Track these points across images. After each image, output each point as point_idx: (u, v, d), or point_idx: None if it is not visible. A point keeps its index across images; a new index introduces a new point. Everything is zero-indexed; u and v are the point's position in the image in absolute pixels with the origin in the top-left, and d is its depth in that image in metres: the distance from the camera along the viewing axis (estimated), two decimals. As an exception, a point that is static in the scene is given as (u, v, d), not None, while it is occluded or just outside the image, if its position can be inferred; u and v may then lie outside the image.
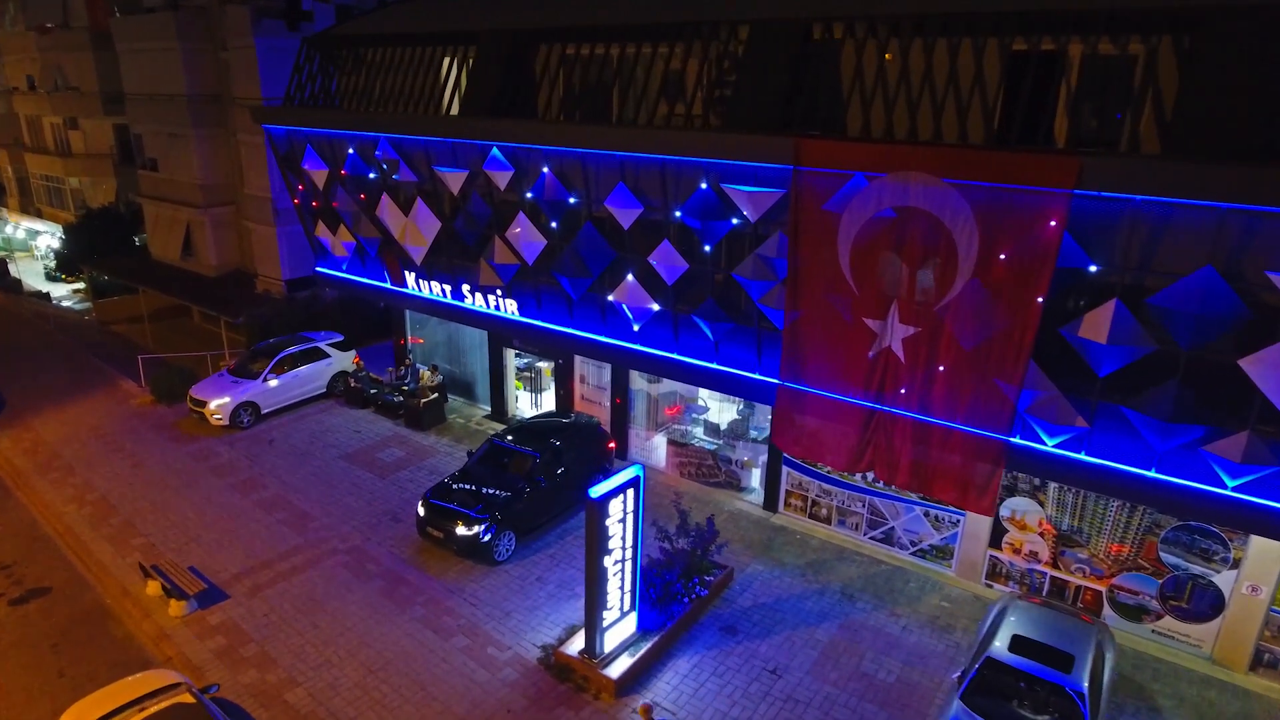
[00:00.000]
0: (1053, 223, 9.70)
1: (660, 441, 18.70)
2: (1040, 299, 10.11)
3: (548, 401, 20.82)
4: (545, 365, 20.81)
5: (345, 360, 22.32)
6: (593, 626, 11.69)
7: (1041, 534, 13.57)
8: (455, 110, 17.03)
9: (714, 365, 14.22)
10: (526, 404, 21.09)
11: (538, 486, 15.19)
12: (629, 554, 11.79)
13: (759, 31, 12.61)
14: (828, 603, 13.79)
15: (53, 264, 37.98)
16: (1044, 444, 11.25)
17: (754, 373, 13.78)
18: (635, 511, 11.67)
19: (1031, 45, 11.06)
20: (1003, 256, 10.20)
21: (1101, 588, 13.18)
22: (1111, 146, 10.94)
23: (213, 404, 19.75)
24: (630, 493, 11.46)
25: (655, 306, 14.39)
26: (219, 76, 27.33)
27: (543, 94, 15.31)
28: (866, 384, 11.69)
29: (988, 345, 10.74)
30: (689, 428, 18.37)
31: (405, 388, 21.30)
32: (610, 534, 11.30)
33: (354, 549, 15.11)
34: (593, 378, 19.34)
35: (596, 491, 10.96)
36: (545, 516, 15.60)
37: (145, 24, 27.63)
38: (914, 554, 15.01)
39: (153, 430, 20.19)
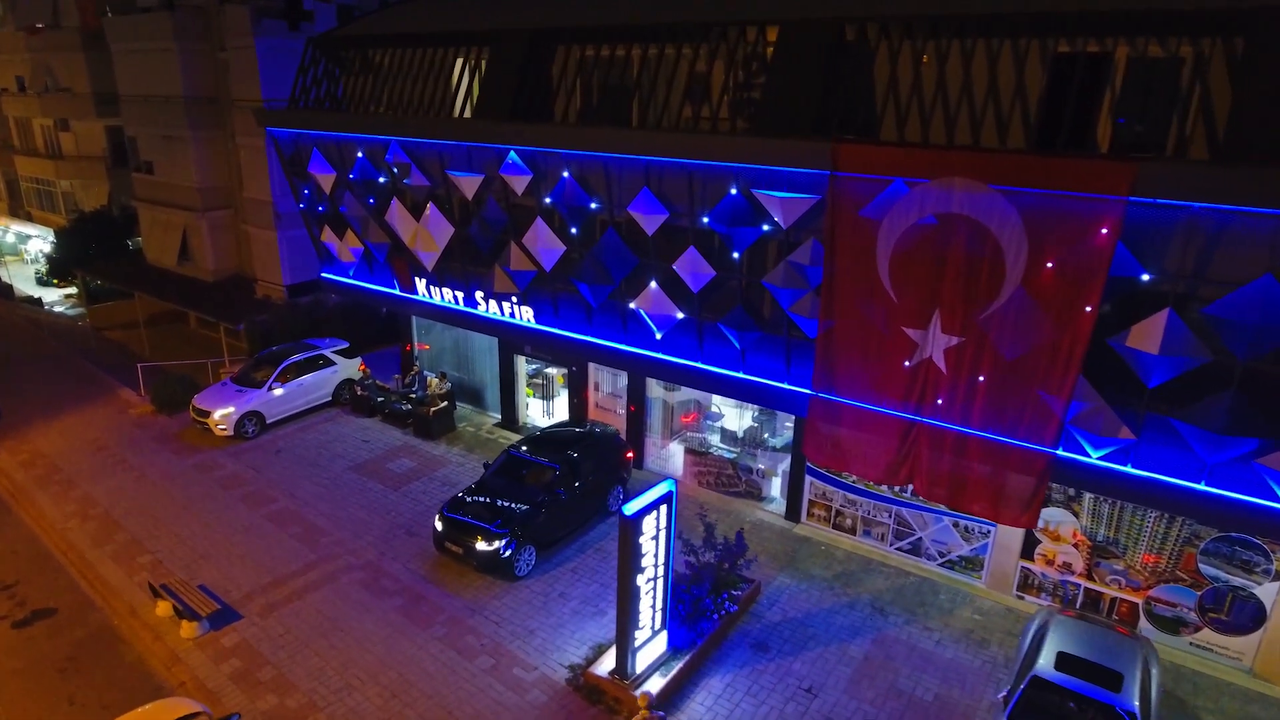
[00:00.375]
0: (1105, 230, 9.42)
1: (676, 450, 18.37)
2: (1091, 309, 9.82)
3: (559, 409, 20.44)
4: (555, 372, 20.43)
5: (351, 368, 21.86)
6: (624, 646, 11.33)
7: (1075, 545, 13.31)
8: (466, 113, 16.64)
9: (740, 374, 13.88)
10: (537, 411, 20.70)
11: (557, 499, 14.81)
12: (661, 571, 11.44)
13: (790, 32, 12.28)
14: (858, 617, 13.48)
15: (44, 269, 37.25)
16: (1088, 456, 10.98)
17: (783, 382, 13.45)
18: (668, 528, 11.32)
19: (1075, 47, 10.79)
20: (1050, 265, 9.91)
21: (1138, 600, 12.93)
22: (1157, 152, 10.66)
23: (217, 414, 19.26)
24: (663, 509, 11.10)
25: (680, 314, 14.04)
26: (217, 78, 26.79)
27: (560, 96, 14.93)
28: (905, 395, 11.39)
29: (1033, 355, 10.46)
30: (707, 436, 18.04)
31: (413, 396, 20.87)
32: (643, 551, 10.95)
33: (369, 565, 14.68)
34: (607, 385, 18.98)
35: (630, 508, 10.60)
36: (565, 530, 15.23)
37: (140, 24, 27.05)
38: (942, 565, 14.73)
39: (154, 441, 19.67)
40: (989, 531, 14.06)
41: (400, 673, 12.03)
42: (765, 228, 12.33)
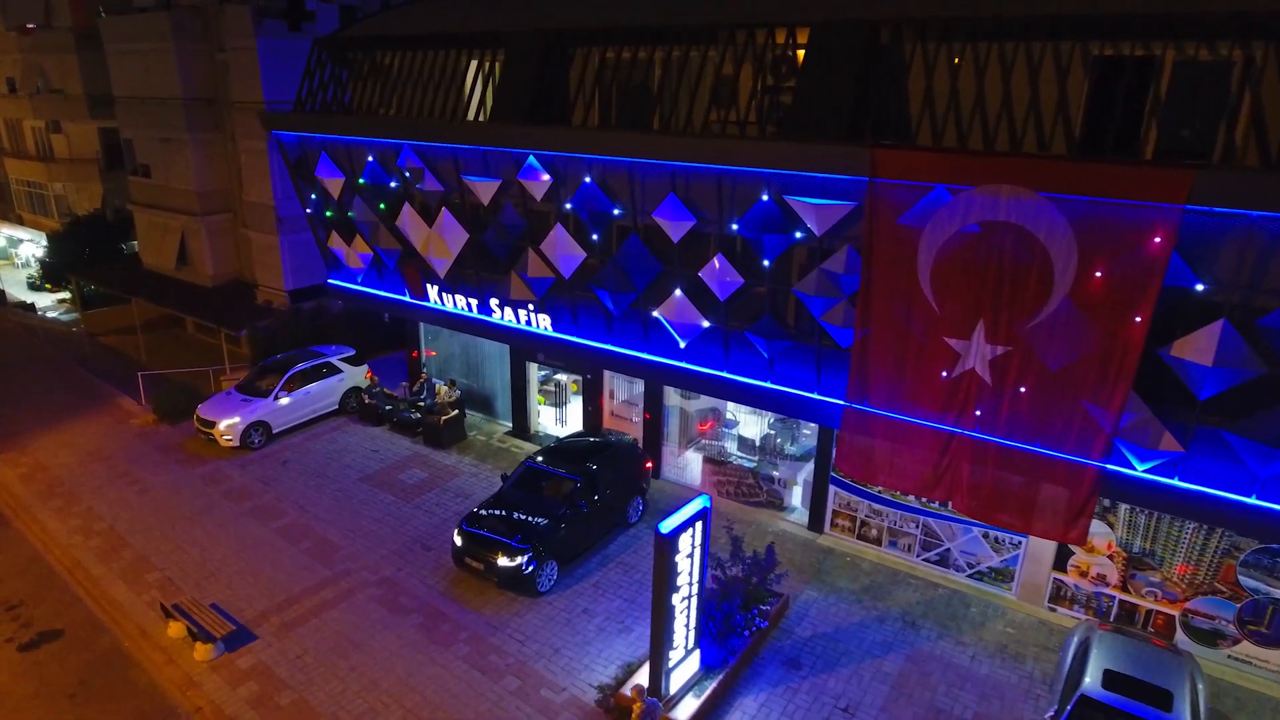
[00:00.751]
0: (1159, 239, 9.15)
1: (693, 458, 18.05)
2: (1142, 319, 9.56)
3: (572, 416, 20.08)
4: (567, 379, 20.08)
5: (358, 375, 21.43)
6: (658, 667, 10.99)
7: (1110, 556, 13.07)
8: (479, 116, 16.24)
9: (768, 384, 13.57)
10: (549, 419, 20.33)
11: (579, 512, 14.46)
12: (695, 589, 11.11)
13: (822, 34, 11.97)
14: (890, 631, 13.20)
15: (35, 273, 36.58)
16: (1134, 469, 10.72)
17: (812, 392, 13.16)
18: (703, 545, 10.99)
19: (1119, 51, 10.52)
20: (1100, 274, 9.65)
21: (1174, 612, 12.70)
22: (1203, 158, 10.40)
23: (222, 424, 18.80)
24: (698, 525, 10.78)
25: (705, 323, 13.71)
26: (216, 79, 26.25)
27: (580, 99, 14.56)
28: (945, 406, 11.10)
29: (1078, 366, 10.20)
30: (725, 444, 17.71)
31: (421, 404, 20.47)
32: (679, 570, 10.61)
33: (386, 581, 14.29)
34: (621, 393, 18.65)
35: (666, 526, 10.26)
36: (586, 543, 14.88)
37: (137, 24, 26.48)
38: (971, 576, 14.47)
39: (158, 452, 19.18)
40: (1020, 543, 13.81)
41: (424, 695, 11.65)
42: (798, 235, 12.03)
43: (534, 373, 19.63)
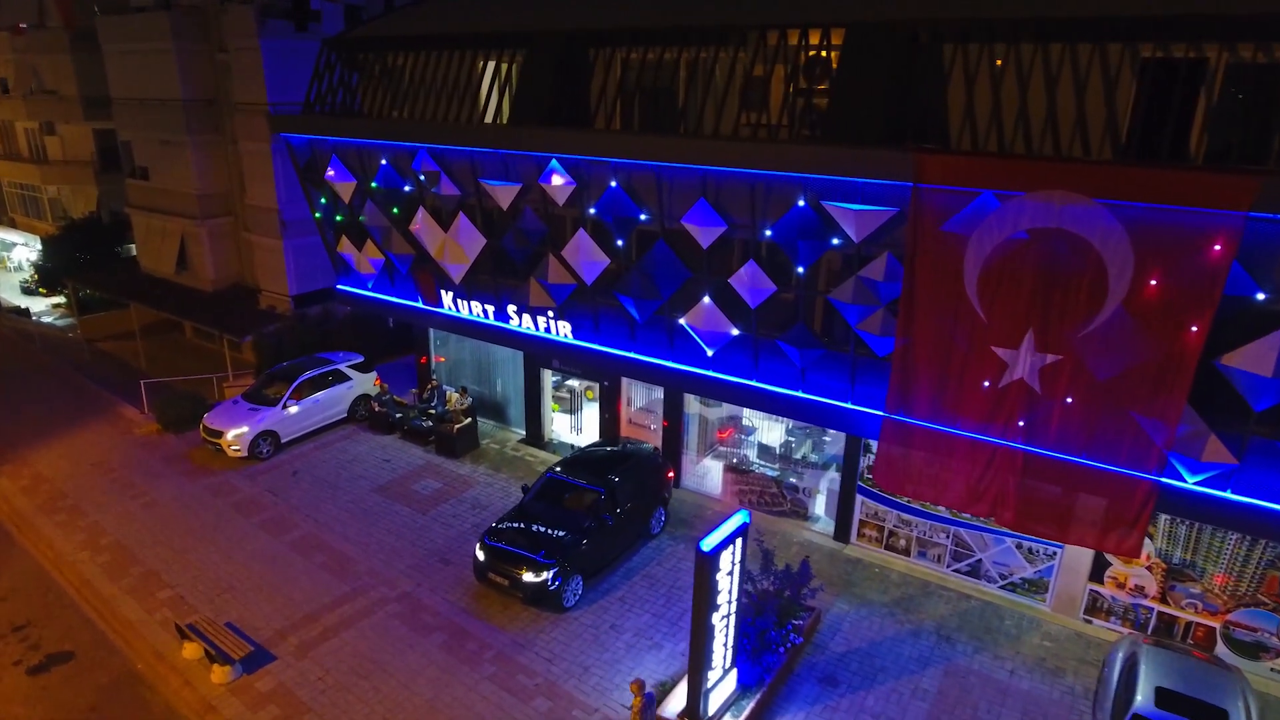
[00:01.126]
0: (1219, 247, 8.89)
1: (711, 466, 17.73)
2: (1198, 329, 9.29)
3: (587, 423, 19.72)
4: (579, 385, 19.71)
5: (366, 382, 20.99)
6: (696, 688, 10.65)
7: (1149, 567, 12.82)
8: (495, 119, 15.86)
9: (800, 394, 13.25)
10: (564, 427, 19.96)
11: (604, 525, 14.10)
12: (733, 607, 10.78)
13: (859, 35, 11.66)
14: (925, 645, 12.90)
15: (29, 277, 35.91)
16: (1184, 481, 10.46)
17: (846, 401, 12.85)
18: (742, 561, 10.67)
19: (1167, 52, 10.26)
20: (1156, 282, 9.37)
21: (1215, 624, 12.46)
22: (1256, 163, 10.14)
23: (230, 434, 18.34)
24: (738, 542, 10.45)
25: (734, 331, 13.39)
26: (216, 80, 25.74)
27: (604, 102, 14.21)
28: (991, 417, 10.81)
29: (1130, 376, 9.93)
30: (744, 451, 17.38)
31: (432, 411, 20.06)
32: (719, 589, 10.28)
33: (406, 597, 13.89)
34: (639, 399, 18.32)
35: (708, 544, 9.93)
36: (610, 556, 14.54)
37: (135, 24, 25.93)
38: (1003, 588, 14.19)
39: (163, 463, 18.71)
40: (1055, 553, 13.54)
41: (452, 718, 11.27)
42: (835, 241, 11.71)
43: (548, 379, 19.26)
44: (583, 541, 13.68)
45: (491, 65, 16.00)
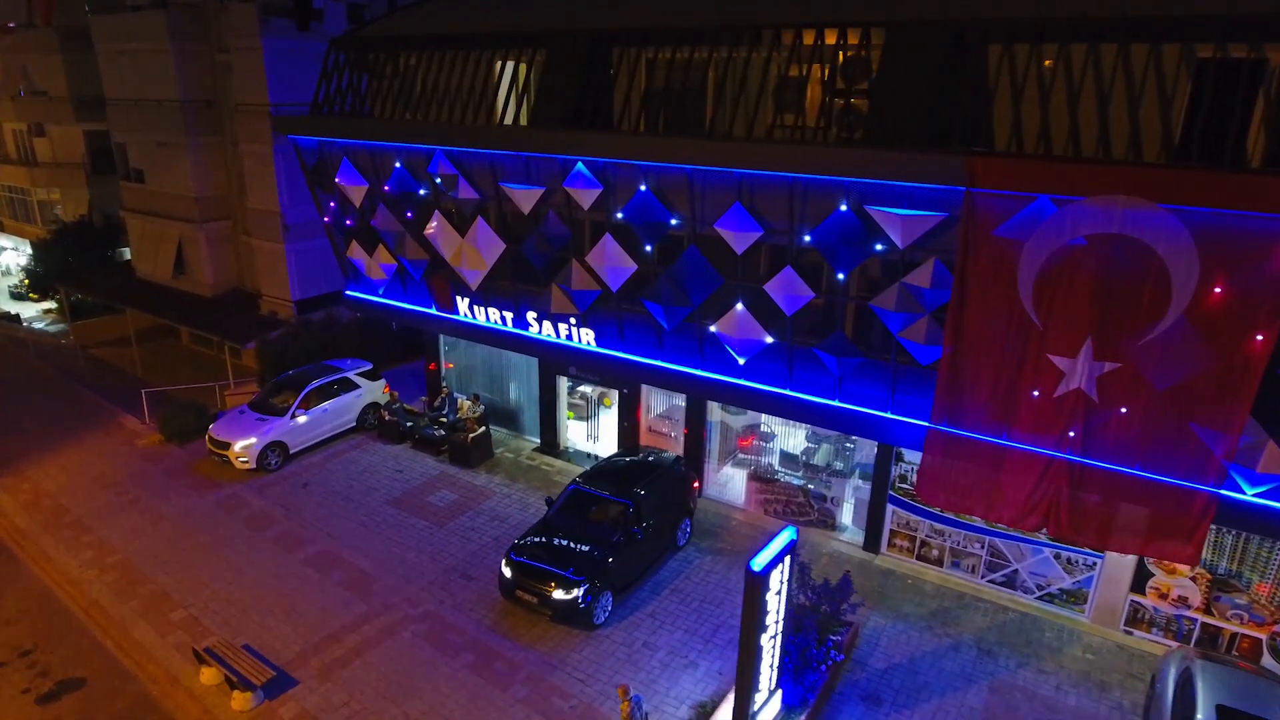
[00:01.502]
0: (1291, 253, 8.59)
1: (733, 474, 17.36)
2: (1265, 337, 9.00)
3: (604, 431, 19.30)
4: (591, 390, 19.27)
5: (375, 390, 20.48)
6: (743, 710, 10.26)
7: (1193, 578, 12.55)
8: (515, 121, 15.42)
9: (837, 403, 12.90)
10: (579, 434, 19.53)
11: (632, 539, 13.69)
12: (780, 627, 10.41)
13: (902, 35, 11.30)
14: (966, 660, 12.58)
15: (18, 282, 35.09)
16: (1243, 493, 10.18)
17: (885, 411, 12.50)
18: (790, 580, 10.29)
19: (1225, 53, 9.96)
20: (1221, 289, 9.07)
21: (1262, 635, 12.21)
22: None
23: (237, 445, 17.79)
24: (787, 560, 10.07)
25: (768, 339, 13.01)
26: (215, 80, 25.15)
27: (630, 103, 13.80)
28: (1047, 428, 10.48)
29: (1190, 385, 9.63)
30: (764, 459, 17.00)
31: (443, 419, 19.58)
32: (768, 609, 9.90)
33: (429, 615, 13.43)
34: (657, 407, 17.92)
35: (758, 563, 9.54)
36: (639, 570, 14.13)
37: (131, 23, 25.30)
38: (1040, 599, 13.91)
39: (168, 476, 18.13)
40: (1094, 564, 13.27)
41: (487, 744, 10.85)
42: (878, 247, 11.35)
43: (564, 387, 18.83)
44: (612, 556, 13.27)
45: (509, 65, 15.51)
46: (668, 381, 14.82)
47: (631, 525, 13.74)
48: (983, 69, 11.14)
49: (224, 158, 25.96)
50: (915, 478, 14.05)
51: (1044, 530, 11.24)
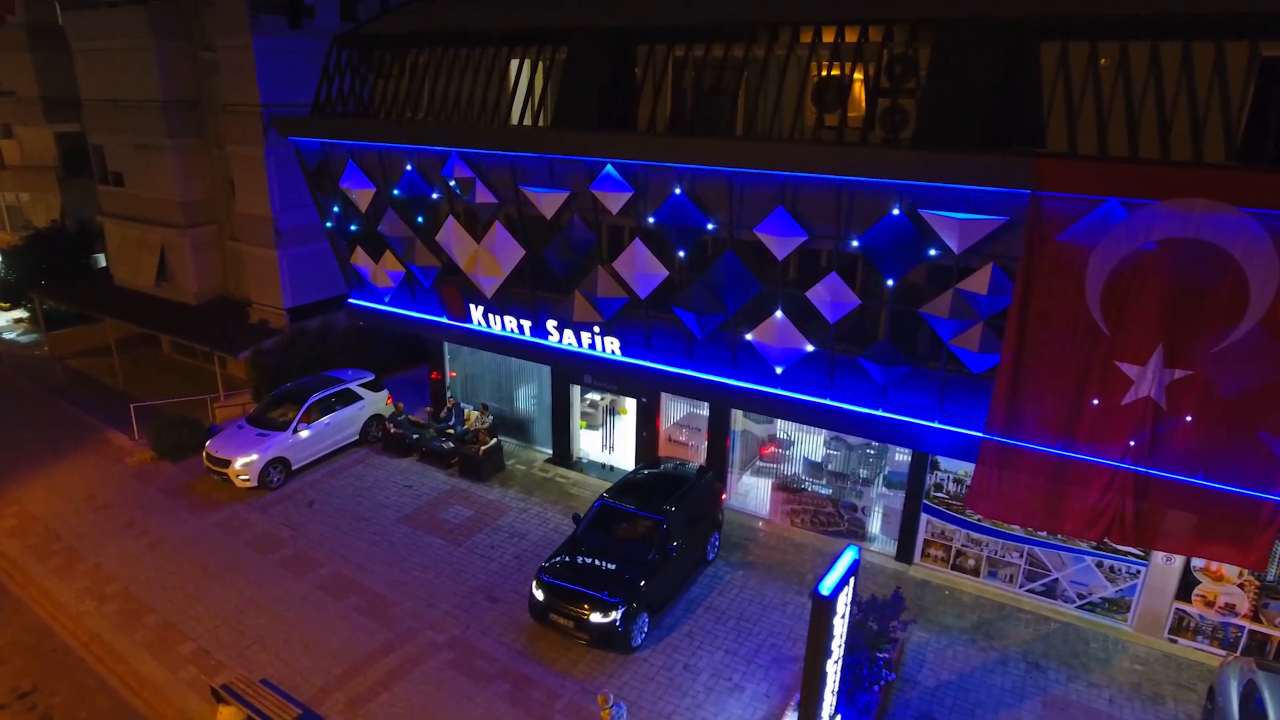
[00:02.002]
0: (1376, 258, 8.33)
1: (754, 483, 16.88)
2: (1346, 344, 8.75)
3: (619, 440, 18.75)
4: (597, 396, 18.68)
5: (378, 402, 19.72)
6: (807, 741, 9.81)
7: (1241, 585, 12.35)
8: (536, 121, 14.81)
9: (880, 413, 12.49)
10: (594, 445, 18.95)
11: (667, 556, 13.16)
12: (842, 651, 9.96)
13: (955, 33, 10.91)
14: (1015, 675, 12.25)
15: (-12, 291, 33.53)
16: (1312, 501, 9.93)
17: (932, 420, 12.12)
18: (852, 601, 9.85)
19: (1290, 50, 9.71)
20: (1299, 295, 8.80)
21: (1312, 642, 12.04)
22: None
23: (238, 462, 16.93)
24: (851, 581, 9.63)
25: (809, 347, 12.57)
26: (199, 80, 24.14)
27: (659, 103, 13.27)
28: (1113, 437, 10.15)
29: (1259, 393, 9.35)
30: (789, 468, 16.53)
31: (451, 431, 18.89)
32: (834, 633, 9.44)
33: (456, 642, 12.78)
34: (676, 415, 17.41)
35: (826, 587, 9.09)
36: (673, 588, 13.61)
37: (110, 20, 24.18)
38: (1081, 607, 13.64)
39: (164, 496, 17.21)
40: (1138, 572, 13.02)
41: (533, 782, 10.26)
42: (932, 252, 10.95)
43: (577, 395, 18.24)
44: (648, 575, 12.73)
45: (525, 64, 14.88)
46: (698, 391, 14.34)
47: (668, 542, 13.20)
48: (1037, 68, 10.78)
49: (209, 160, 24.94)
50: (966, 489, 13.74)
51: (1106, 538, 10.90)
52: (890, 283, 11.45)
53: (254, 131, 22.07)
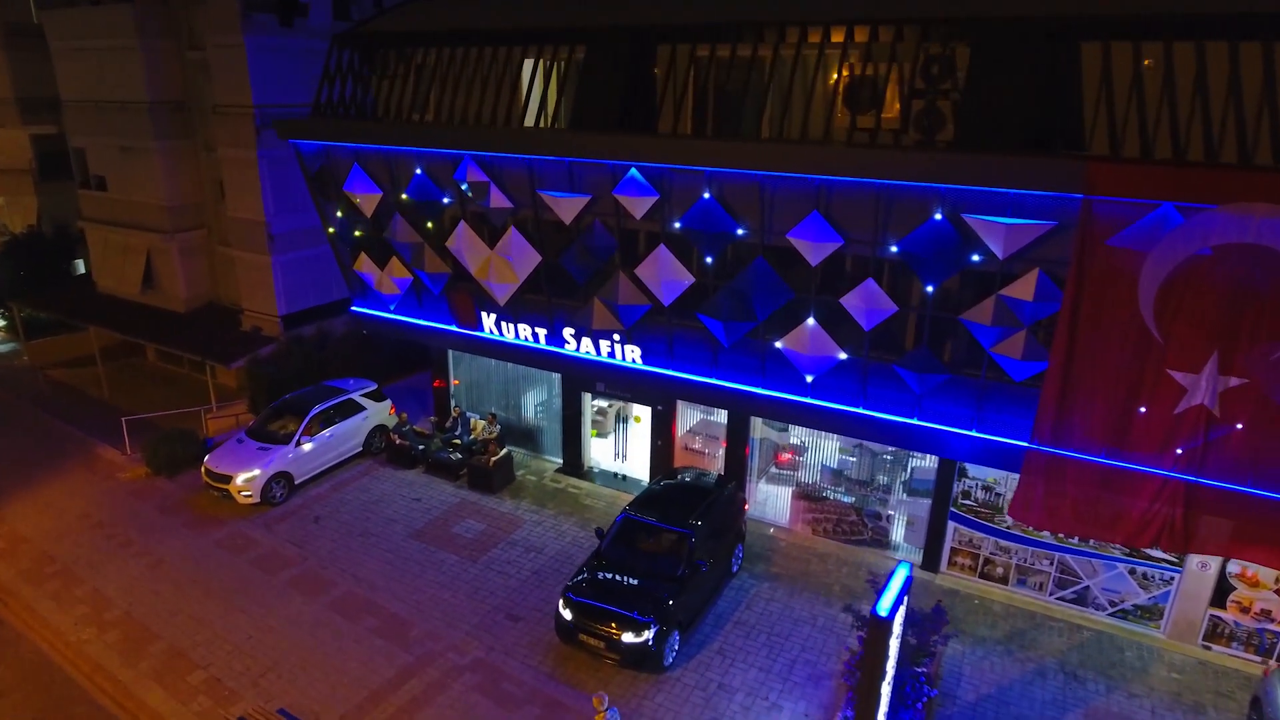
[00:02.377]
0: None
1: (770, 491, 16.52)
2: None
3: (632, 450, 18.32)
4: (604, 404, 18.23)
5: (381, 412, 19.14)
6: (859, 765, 9.48)
7: (1277, 590, 12.23)
8: (552, 124, 14.37)
9: (915, 421, 12.21)
10: (605, 453, 18.52)
11: (696, 570, 12.78)
12: (894, 671, 9.65)
13: (996, 33, 10.63)
14: (1054, 687, 12.03)
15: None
16: (1364, 509, 9.79)
17: (969, 429, 11.86)
18: (906, 618, 9.55)
19: (1341, 50, 9.54)
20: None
21: (1350, 648, 11.95)
22: None
23: (240, 478, 16.29)
24: (905, 599, 9.32)
25: (841, 355, 12.25)
26: (186, 80, 23.35)
27: (683, 105, 12.88)
28: (1164, 446, 9.93)
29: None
30: (807, 475, 16.22)
31: (457, 441, 18.38)
32: (889, 654, 9.13)
33: (480, 664, 12.31)
34: (690, 422, 17.04)
35: (884, 608, 8.77)
36: (701, 603, 13.24)
37: (92, 18, 23.29)
38: (1112, 615, 13.47)
39: (161, 513, 16.53)
40: (1171, 579, 12.87)
41: (573, 813, 9.84)
42: (975, 258, 10.67)
43: (589, 404, 17.81)
44: (678, 592, 12.34)
45: (539, 63, 14.41)
46: (724, 400, 13.99)
47: (697, 557, 12.81)
48: (1078, 68, 10.54)
49: (197, 163, 24.15)
50: (995, 496, 13.55)
51: (1156, 546, 10.70)
52: (929, 289, 11.16)
53: (246, 133, 21.37)
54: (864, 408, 12.51)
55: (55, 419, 21.28)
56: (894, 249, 11.09)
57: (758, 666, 12.32)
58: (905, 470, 15.00)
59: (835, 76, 11.63)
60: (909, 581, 9.38)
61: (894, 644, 9.21)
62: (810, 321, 12.22)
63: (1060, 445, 10.60)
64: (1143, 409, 9.85)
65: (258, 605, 13.63)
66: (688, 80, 12.96)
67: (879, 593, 8.97)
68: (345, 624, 13.18)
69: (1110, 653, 12.77)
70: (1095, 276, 9.73)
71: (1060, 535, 12.93)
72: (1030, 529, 12.97)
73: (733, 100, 13.04)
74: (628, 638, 11.71)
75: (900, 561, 9.64)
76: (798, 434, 15.69)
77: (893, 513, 15.09)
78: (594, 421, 18.64)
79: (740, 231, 12.21)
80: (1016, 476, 13.13)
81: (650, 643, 11.73)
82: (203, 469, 16.90)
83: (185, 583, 14.24)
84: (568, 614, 12.22)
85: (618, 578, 12.56)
